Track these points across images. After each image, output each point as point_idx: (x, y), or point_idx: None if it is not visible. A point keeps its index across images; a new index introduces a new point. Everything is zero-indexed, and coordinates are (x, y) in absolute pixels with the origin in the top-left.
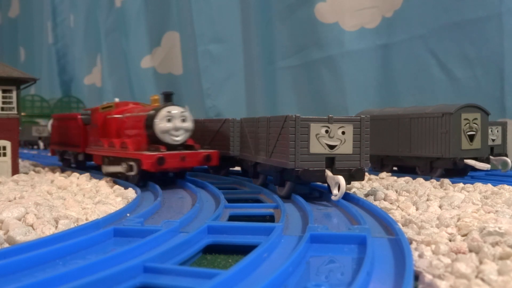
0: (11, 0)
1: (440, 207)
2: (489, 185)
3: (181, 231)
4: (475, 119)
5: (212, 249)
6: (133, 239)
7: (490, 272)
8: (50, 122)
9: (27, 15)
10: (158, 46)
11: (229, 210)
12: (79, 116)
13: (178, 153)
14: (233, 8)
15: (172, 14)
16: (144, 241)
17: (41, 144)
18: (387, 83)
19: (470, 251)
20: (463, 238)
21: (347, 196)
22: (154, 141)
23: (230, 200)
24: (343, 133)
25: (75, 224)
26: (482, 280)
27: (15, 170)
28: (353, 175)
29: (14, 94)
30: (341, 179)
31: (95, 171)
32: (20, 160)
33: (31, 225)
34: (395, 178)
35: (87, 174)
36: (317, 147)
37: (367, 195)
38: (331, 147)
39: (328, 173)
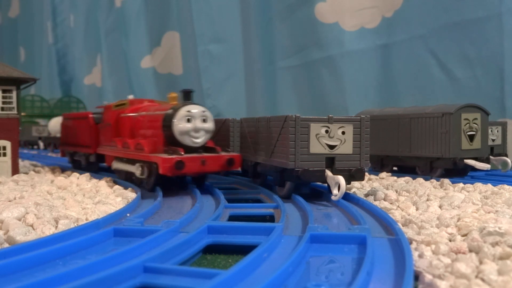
0: (11, 0)
1: (440, 207)
2: (489, 185)
3: (181, 231)
4: (475, 119)
5: (212, 249)
6: (133, 239)
7: (490, 272)
8: (51, 121)
9: (27, 15)
10: (158, 46)
11: (229, 210)
12: (91, 115)
13: (198, 157)
14: (233, 8)
15: (172, 14)
16: (144, 241)
17: (41, 144)
18: (387, 83)
19: (470, 251)
20: (463, 238)
21: (347, 196)
22: (171, 142)
23: (230, 200)
24: (343, 133)
25: (75, 224)
26: (482, 280)
27: (15, 170)
28: (353, 175)
29: (14, 94)
30: (341, 179)
31: (108, 173)
32: (20, 160)
33: (31, 225)
34: (395, 178)
35: (87, 174)
36: (317, 147)
37: (367, 195)
38: (331, 147)
39: (328, 173)
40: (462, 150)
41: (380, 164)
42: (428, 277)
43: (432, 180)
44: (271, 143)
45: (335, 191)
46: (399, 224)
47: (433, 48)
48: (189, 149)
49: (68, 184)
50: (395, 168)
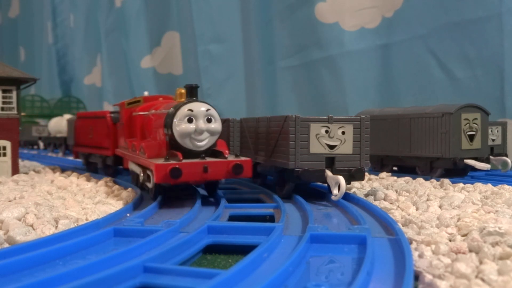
0: (11, 0)
1: (440, 207)
2: (489, 185)
3: (181, 231)
4: (475, 119)
5: (212, 249)
6: (133, 239)
7: (490, 272)
8: (51, 121)
9: (27, 15)
10: (158, 46)
11: (229, 210)
12: (108, 114)
13: (199, 162)
14: (233, 8)
15: (172, 14)
16: (144, 241)
17: (41, 144)
18: (387, 83)
19: (470, 251)
20: (463, 238)
21: (347, 196)
22: (174, 146)
23: (230, 200)
24: (343, 133)
25: (75, 224)
26: (482, 280)
27: (15, 170)
28: (353, 175)
29: (14, 94)
30: (341, 179)
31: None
32: (20, 160)
33: (31, 225)
34: (395, 178)
35: (87, 174)
36: (317, 147)
37: (367, 195)
38: (331, 147)
39: (328, 173)
40: (462, 150)
41: (380, 164)
42: (428, 277)
43: (432, 180)
44: (271, 143)
45: (335, 191)
46: (399, 224)
47: (433, 48)
48: (192, 154)
49: (68, 184)
50: (395, 168)
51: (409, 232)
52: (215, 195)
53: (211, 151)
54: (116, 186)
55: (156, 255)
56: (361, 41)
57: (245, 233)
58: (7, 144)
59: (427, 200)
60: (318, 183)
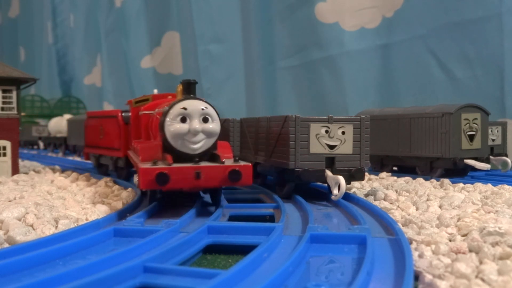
0: (11, 0)
1: (440, 207)
2: (489, 185)
3: (181, 231)
4: (475, 119)
5: (212, 249)
6: (133, 239)
7: (490, 272)
8: (51, 121)
9: (27, 15)
10: (158, 46)
11: (229, 210)
12: (120, 114)
13: (190, 168)
14: (233, 8)
15: (172, 14)
16: (144, 241)
17: (41, 144)
18: (387, 83)
19: (470, 251)
20: (463, 238)
21: (347, 196)
22: (168, 148)
23: (230, 200)
24: (343, 133)
25: (75, 224)
26: (482, 280)
27: (15, 170)
28: (353, 175)
29: (14, 94)
30: (341, 179)
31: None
32: (20, 160)
33: (31, 225)
34: (395, 178)
35: (87, 174)
36: (317, 147)
37: (367, 195)
38: (331, 147)
39: (328, 173)
40: (462, 150)
41: (380, 164)
42: (428, 277)
43: (432, 180)
44: (271, 143)
45: (335, 191)
46: (399, 224)
47: (433, 48)
48: (186, 157)
49: (68, 184)
50: (395, 168)
51: (409, 232)
52: (217, 202)
53: (210, 155)
54: (116, 186)
55: (156, 255)
56: (361, 41)
57: (245, 233)
58: (7, 144)
59: (427, 200)
60: (318, 183)
